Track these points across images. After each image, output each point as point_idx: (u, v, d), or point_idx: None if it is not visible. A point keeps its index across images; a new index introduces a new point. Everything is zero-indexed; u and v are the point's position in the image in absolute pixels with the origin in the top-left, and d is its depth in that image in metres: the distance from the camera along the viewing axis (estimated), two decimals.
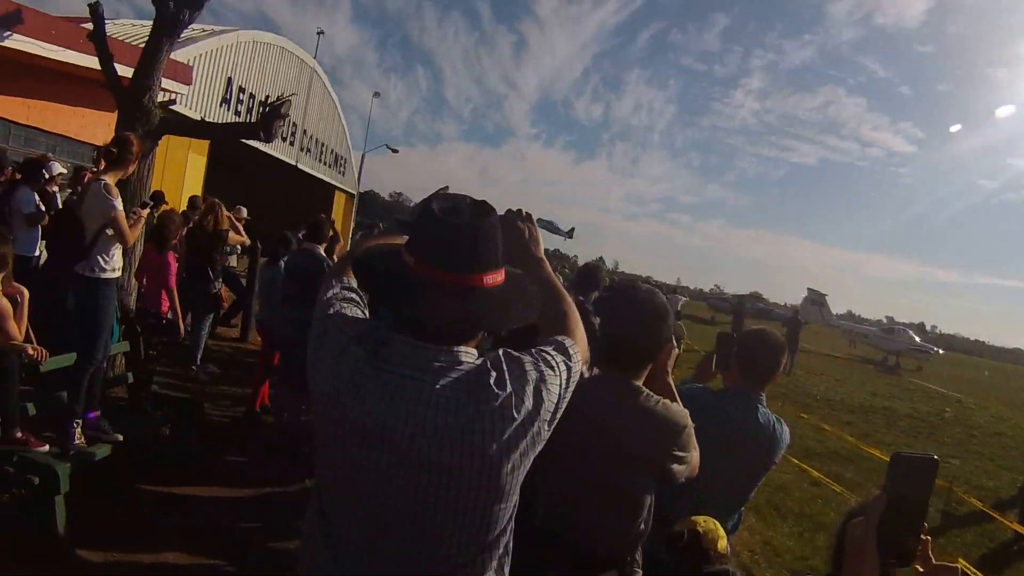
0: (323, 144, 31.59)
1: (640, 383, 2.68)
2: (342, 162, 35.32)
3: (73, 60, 11.83)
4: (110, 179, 5.77)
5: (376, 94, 46.04)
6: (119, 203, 5.73)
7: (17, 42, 10.78)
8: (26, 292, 5.48)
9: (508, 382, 1.69)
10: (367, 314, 1.95)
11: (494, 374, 1.69)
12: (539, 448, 1.75)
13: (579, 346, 1.94)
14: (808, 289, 50.28)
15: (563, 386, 1.79)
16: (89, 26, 10.29)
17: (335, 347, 1.78)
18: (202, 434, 7.39)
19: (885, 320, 61.23)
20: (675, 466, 2.59)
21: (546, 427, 1.74)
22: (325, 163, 32.36)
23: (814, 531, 8.20)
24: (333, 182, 34.16)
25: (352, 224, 33.75)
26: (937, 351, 44.56)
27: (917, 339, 45.08)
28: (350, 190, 37.77)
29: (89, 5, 9.91)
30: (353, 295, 1.99)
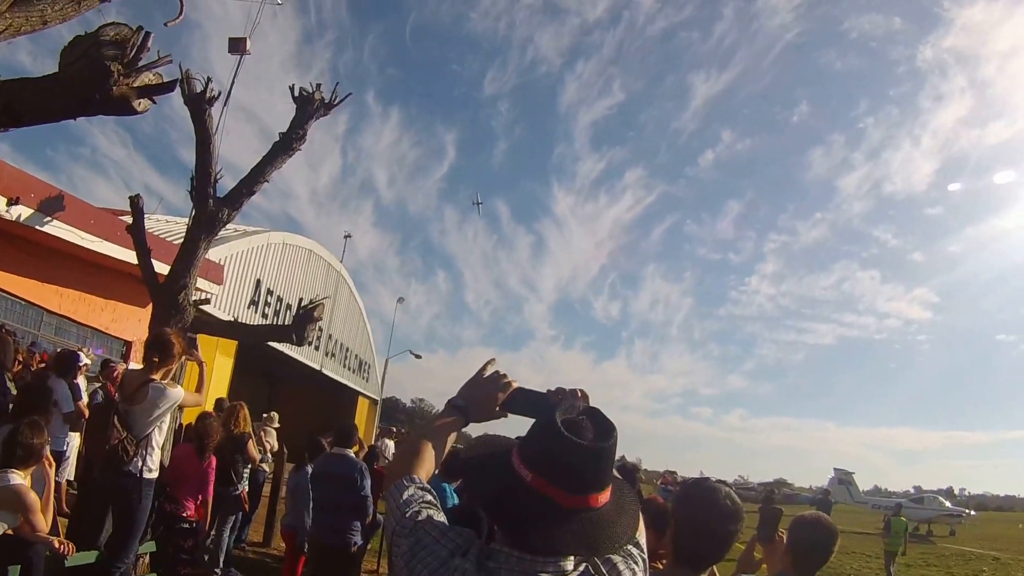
0: (348, 349, 31.86)
1: None
2: (366, 367, 35.49)
3: (109, 252, 12.08)
4: (158, 377, 6.04)
5: (400, 299, 46.78)
6: (179, 389, 6.15)
7: (56, 228, 10.98)
8: (52, 482, 5.43)
9: None
10: (444, 515, 1.89)
11: None
12: None
13: (643, 535, 1.98)
14: (835, 469, 50.14)
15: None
16: (127, 219, 10.31)
17: (435, 560, 1.72)
18: None
19: (913, 490, 60.05)
20: None
21: None
22: (349, 368, 32.50)
23: None
24: (357, 387, 34.20)
25: (375, 430, 33.26)
26: (969, 513, 44.19)
27: (947, 504, 44.35)
28: (373, 396, 37.78)
29: (130, 198, 10.04)
30: (430, 495, 1.91)
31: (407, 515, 1.81)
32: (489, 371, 2.20)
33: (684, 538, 2.85)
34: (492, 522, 1.83)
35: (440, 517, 1.84)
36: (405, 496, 1.87)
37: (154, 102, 5.10)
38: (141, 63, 4.86)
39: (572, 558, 1.74)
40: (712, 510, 2.81)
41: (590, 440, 1.71)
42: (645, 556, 1.92)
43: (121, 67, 4.65)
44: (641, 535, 1.95)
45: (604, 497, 1.77)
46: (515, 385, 2.17)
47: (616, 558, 1.82)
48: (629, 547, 1.87)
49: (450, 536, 1.77)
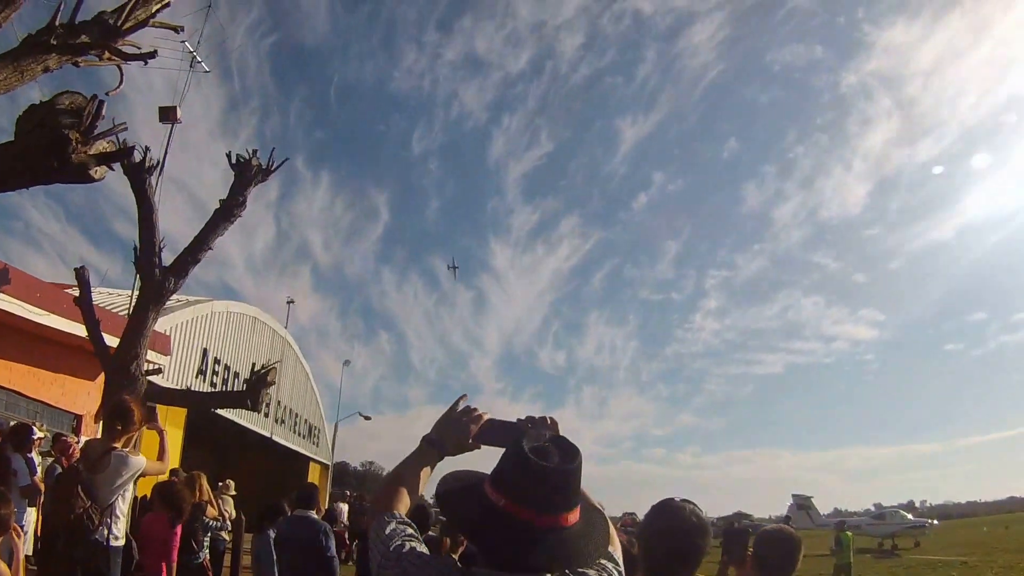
0: (297, 415, 31.44)
1: None
2: (316, 432, 34.99)
3: (56, 325, 11.91)
4: (120, 445, 6.05)
5: (346, 362, 46.39)
6: (141, 457, 6.17)
7: (2, 302, 10.81)
8: (22, 553, 5.38)
9: None
10: (425, 547, 1.98)
11: None
12: None
13: (618, 551, 2.09)
14: (793, 495, 49.47)
15: None
16: (72, 291, 10.27)
17: None
18: None
19: (873, 507, 60.27)
20: None
21: None
22: (299, 434, 32.00)
23: None
24: (308, 453, 33.64)
25: (327, 495, 32.77)
26: (932, 523, 43.98)
27: (909, 517, 44.31)
28: (324, 461, 37.10)
29: (75, 270, 10.03)
30: (411, 529, 2.01)
31: (391, 548, 1.91)
32: (461, 406, 2.29)
33: (653, 556, 2.90)
34: (471, 545, 1.97)
35: (422, 548, 1.92)
36: (388, 530, 1.96)
37: (111, 169, 5.19)
38: (96, 131, 4.97)
39: (548, 575, 1.85)
40: (681, 525, 2.85)
41: (556, 463, 1.83)
42: (621, 569, 2.02)
43: (79, 135, 4.75)
44: (616, 550, 2.06)
45: (574, 516, 1.87)
46: (486, 417, 2.26)
47: (591, 572, 1.91)
48: (603, 561, 1.97)
49: (433, 564, 1.87)
